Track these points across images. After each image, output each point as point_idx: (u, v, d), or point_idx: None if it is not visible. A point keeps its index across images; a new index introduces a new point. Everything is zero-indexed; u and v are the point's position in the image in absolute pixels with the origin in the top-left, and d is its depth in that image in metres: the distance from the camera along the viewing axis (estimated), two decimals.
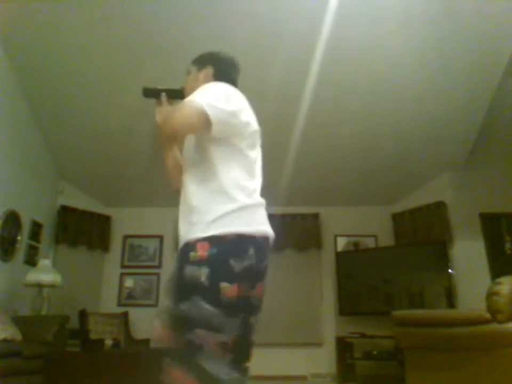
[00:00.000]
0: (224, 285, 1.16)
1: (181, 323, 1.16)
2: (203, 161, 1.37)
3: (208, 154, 1.36)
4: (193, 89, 1.46)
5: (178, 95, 1.56)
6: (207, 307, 1.14)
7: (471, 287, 4.46)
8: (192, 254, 1.20)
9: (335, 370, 5.00)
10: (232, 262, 1.18)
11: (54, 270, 4.40)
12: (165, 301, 1.18)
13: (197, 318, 1.14)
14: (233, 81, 1.54)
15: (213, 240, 1.20)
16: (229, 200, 1.27)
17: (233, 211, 1.26)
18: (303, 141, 4.64)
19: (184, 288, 1.18)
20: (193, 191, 1.35)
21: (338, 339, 5.03)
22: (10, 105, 4.14)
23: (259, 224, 1.32)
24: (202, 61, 1.60)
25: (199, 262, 1.18)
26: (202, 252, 1.19)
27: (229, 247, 1.20)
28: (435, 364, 2.73)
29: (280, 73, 3.88)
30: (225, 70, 1.57)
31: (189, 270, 1.18)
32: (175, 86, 1.60)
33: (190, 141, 1.47)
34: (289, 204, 5.52)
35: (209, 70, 1.57)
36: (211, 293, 1.15)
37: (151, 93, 1.56)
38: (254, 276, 1.24)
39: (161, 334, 1.15)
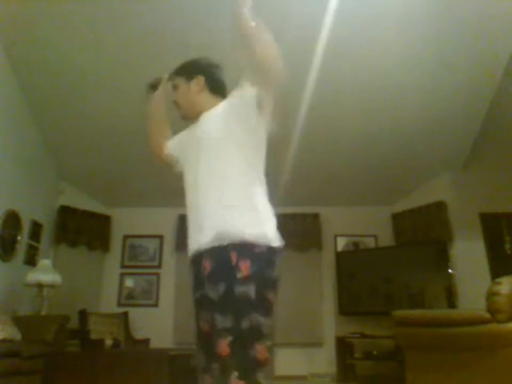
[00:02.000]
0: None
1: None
2: (253, 144, 1.40)
3: (257, 138, 1.41)
4: (187, 101, 1.55)
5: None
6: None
7: (471, 287, 4.46)
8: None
9: (335, 370, 5.00)
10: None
11: (54, 270, 4.40)
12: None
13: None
14: (223, 83, 1.59)
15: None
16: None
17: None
18: (303, 141, 4.63)
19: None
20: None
21: (338, 339, 5.03)
22: (11, 105, 4.14)
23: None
24: (189, 71, 1.59)
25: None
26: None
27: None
28: (435, 363, 2.73)
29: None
30: (215, 75, 1.59)
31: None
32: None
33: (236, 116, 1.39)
34: (289, 204, 5.52)
35: (200, 79, 1.56)
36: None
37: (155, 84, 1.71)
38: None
39: (227, 351, 1.17)
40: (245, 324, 1.17)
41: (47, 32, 3.73)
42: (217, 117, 1.45)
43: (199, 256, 1.32)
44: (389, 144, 4.80)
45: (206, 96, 1.55)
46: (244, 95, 1.38)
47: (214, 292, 1.22)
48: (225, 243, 1.25)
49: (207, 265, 1.27)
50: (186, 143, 1.54)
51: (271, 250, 1.29)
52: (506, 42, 3.74)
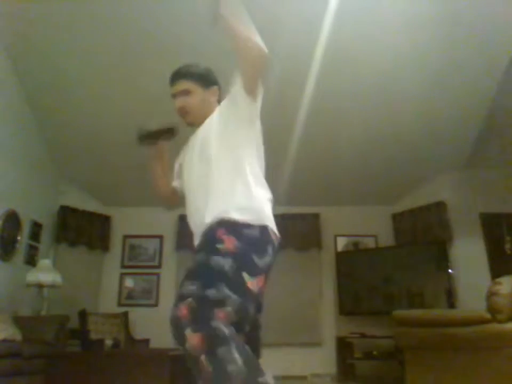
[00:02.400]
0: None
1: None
2: (242, 144, 1.43)
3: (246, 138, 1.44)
4: (201, 108, 1.52)
5: (171, 134, 1.57)
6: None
7: (471, 287, 4.46)
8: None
9: (335, 370, 5.00)
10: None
11: (54, 270, 4.40)
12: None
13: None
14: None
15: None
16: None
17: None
18: (303, 141, 4.64)
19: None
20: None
21: (338, 339, 5.03)
22: (11, 106, 4.14)
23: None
24: (207, 79, 1.57)
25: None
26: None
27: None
28: (435, 364, 2.73)
29: (280, 73, 3.88)
30: (221, 86, 1.62)
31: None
32: (166, 125, 1.57)
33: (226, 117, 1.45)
34: (289, 204, 5.52)
35: (216, 90, 1.58)
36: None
37: (149, 137, 1.57)
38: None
39: (184, 313, 1.13)
40: (210, 292, 1.14)
41: (48, 33, 3.73)
42: (213, 119, 1.48)
43: None
44: (389, 144, 4.80)
45: (215, 106, 1.55)
46: (231, 92, 1.44)
47: (193, 261, 1.23)
48: (215, 220, 1.28)
49: (200, 243, 1.32)
50: (187, 151, 1.57)
51: (263, 237, 1.28)
52: (506, 42, 3.74)
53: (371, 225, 5.71)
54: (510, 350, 2.42)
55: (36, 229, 4.71)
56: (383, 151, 4.90)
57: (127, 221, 5.73)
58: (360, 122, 4.56)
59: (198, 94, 1.53)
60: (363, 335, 4.90)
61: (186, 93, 1.52)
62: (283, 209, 5.55)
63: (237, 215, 1.27)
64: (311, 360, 5.14)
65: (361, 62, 3.94)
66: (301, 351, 5.19)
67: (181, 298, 1.15)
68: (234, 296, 1.15)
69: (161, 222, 5.62)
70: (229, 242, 1.21)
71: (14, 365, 3.00)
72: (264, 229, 1.29)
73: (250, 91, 1.38)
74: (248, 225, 1.26)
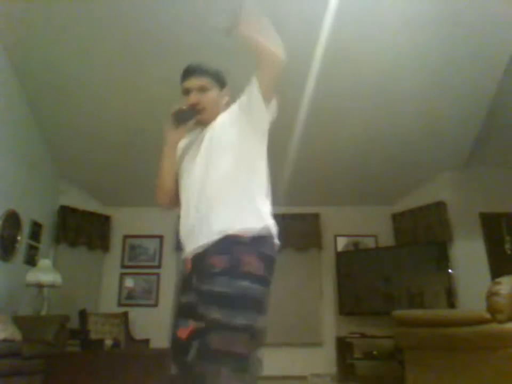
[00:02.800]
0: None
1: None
2: (251, 150, 1.42)
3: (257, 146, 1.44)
4: (214, 107, 1.49)
5: (197, 114, 1.49)
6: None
7: (471, 287, 4.46)
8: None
9: (335, 370, 5.00)
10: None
11: (54, 270, 4.40)
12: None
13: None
14: None
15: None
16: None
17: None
18: (303, 141, 4.64)
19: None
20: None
21: (338, 339, 5.03)
22: (11, 105, 4.14)
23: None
24: (222, 79, 1.55)
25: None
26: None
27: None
28: (435, 364, 2.73)
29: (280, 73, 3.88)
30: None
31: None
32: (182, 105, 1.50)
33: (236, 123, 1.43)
34: (289, 204, 5.52)
35: (227, 91, 1.57)
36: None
37: (184, 117, 1.47)
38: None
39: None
40: (240, 322, 1.15)
41: (48, 33, 3.73)
42: (226, 124, 1.46)
43: (201, 255, 1.28)
44: (389, 144, 4.80)
45: (224, 108, 1.54)
46: (247, 99, 1.42)
47: (209, 284, 1.20)
48: (229, 233, 1.25)
49: (215, 261, 1.22)
50: (188, 148, 1.52)
51: (274, 253, 1.30)
52: (506, 42, 3.74)
53: (371, 225, 5.71)
54: (510, 350, 2.41)
55: (36, 229, 4.71)
56: (383, 151, 4.90)
57: (127, 221, 5.73)
58: (360, 122, 4.56)
59: (213, 92, 1.50)
60: (363, 335, 4.90)
61: (203, 89, 1.48)
62: (283, 209, 5.55)
63: (252, 231, 1.25)
64: (311, 360, 5.14)
65: (361, 62, 3.94)
66: (301, 351, 5.19)
67: (210, 327, 1.14)
68: (260, 320, 1.18)
69: (161, 222, 5.62)
70: (252, 264, 1.20)
71: (14, 364, 2.99)
72: (275, 245, 1.31)
73: (267, 98, 1.38)
74: (264, 242, 1.26)
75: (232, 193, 1.33)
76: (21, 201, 4.33)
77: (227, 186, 1.34)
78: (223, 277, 1.18)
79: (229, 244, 1.23)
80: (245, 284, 1.17)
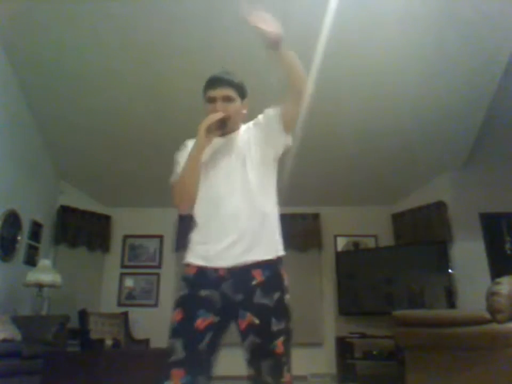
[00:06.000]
0: None
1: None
2: (271, 184, 1.56)
3: (274, 172, 1.58)
4: (236, 118, 1.56)
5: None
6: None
7: (471, 287, 4.45)
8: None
9: (335, 370, 4.99)
10: None
11: (54, 270, 4.40)
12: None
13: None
14: None
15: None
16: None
17: None
18: (303, 142, 4.63)
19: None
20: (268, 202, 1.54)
21: (338, 339, 5.03)
22: (10, 105, 4.14)
23: None
24: (243, 91, 1.60)
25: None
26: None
27: None
28: (435, 364, 2.73)
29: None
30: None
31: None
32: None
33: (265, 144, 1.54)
34: (289, 204, 5.51)
35: (247, 104, 1.63)
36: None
37: (220, 127, 1.51)
38: None
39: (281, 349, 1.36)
40: (291, 326, 1.40)
41: (47, 32, 3.73)
42: (250, 140, 1.56)
43: (244, 267, 1.41)
44: (389, 144, 4.79)
45: (243, 120, 1.63)
46: (269, 118, 1.54)
47: (268, 299, 1.37)
48: (274, 257, 1.45)
49: (257, 275, 1.40)
50: (214, 155, 1.56)
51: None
52: (506, 42, 3.74)
53: (371, 225, 5.71)
54: (510, 350, 2.42)
55: (36, 229, 4.71)
56: (383, 151, 4.90)
57: (127, 221, 5.73)
58: (360, 122, 4.56)
59: (237, 104, 1.56)
60: (363, 335, 4.90)
61: (229, 99, 1.54)
62: (283, 209, 5.53)
63: (282, 252, 1.50)
64: (311, 360, 5.14)
65: (361, 63, 3.94)
66: (301, 351, 5.15)
67: (277, 335, 1.35)
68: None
69: (161, 222, 5.62)
70: (287, 280, 1.45)
71: (14, 365, 3.00)
72: None
73: (290, 128, 1.55)
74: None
75: (274, 217, 1.53)
76: (21, 201, 4.33)
77: (273, 210, 1.53)
78: (278, 292, 1.40)
79: (276, 263, 1.45)
80: (288, 296, 1.43)
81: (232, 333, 1.43)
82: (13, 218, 4.20)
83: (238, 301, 1.39)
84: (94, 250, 5.48)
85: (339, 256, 5.54)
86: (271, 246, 1.47)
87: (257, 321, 1.35)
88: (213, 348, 1.38)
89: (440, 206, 5.13)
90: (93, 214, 5.50)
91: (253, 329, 1.35)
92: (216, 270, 1.42)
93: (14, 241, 4.25)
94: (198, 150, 1.50)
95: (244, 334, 1.37)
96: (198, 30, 3.59)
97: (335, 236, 5.72)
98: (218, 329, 1.39)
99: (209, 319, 1.37)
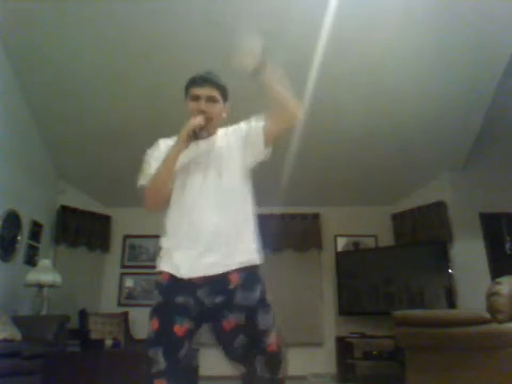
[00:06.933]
0: None
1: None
2: (247, 192, 1.56)
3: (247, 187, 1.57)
4: (217, 119, 1.56)
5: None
6: None
7: (471, 287, 4.46)
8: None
9: (335, 370, 5.00)
10: None
11: (54, 270, 4.40)
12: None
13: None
14: None
15: None
16: None
17: None
18: (303, 142, 4.63)
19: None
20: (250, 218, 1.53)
21: (338, 339, 5.03)
22: (10, 105, 4.14)
23: None
24: (227, 94, 1.60)
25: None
26: None
27: None
28: (435, 364, 2.73)
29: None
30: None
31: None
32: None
33: (239, 164, 1.54)
34: (289, 204, 5.52)
35: (229, 108, 1.63)
36: None
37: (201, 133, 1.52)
38: None
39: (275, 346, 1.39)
40: (276, 321, 1.41)
41: (47, 32, 3.73)
42: (230, 143, 1.56)
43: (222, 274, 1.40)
44: (389, 144, 4.79)
45: (222, 121, 1.63)
46: (253, 128, 1.54)
47: (250, 299, 1.38)
48: (256, 262, 1.46)
49: (234, 278, 1.39)
50: (190, 155, 1.55)
51: None
52: (506, 41, 3.74)
53: (371, 225, 5.71)
54: (510, 350, 2.41)
55: (36, 229, 4.71)
56: (383, 151, 4.90)
57: (127, 221, 5.73)
58: (360, 122, 4.56)
59: (220, 105, 1.57)
60: (363, 335, 4.90)
61: (214, 100, 1.54)
62: (283, 209, 5.56)
63: (259, 260, 1.48)
64: (311, 360, 5.14)
65: (362, 63, 3.94)
66: (301, 351, 5.18)
67: (265, 332, 1.38)
68: None
69: (161, 222, 5.60)
70: (265, 284, 1.45)
71: (14, 364, 2.99)
72: None
73: (271, 145, 1.53)
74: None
75: (250, 225, 1.51)
76: (21, 201, 4.33)
77: (249, 218, 1.51)
78: (257, 292, 1.40)
79: (255, 270, 1.45)
80: (269, 297, 1.43)
81: None
82: (13, 218, 4.20)
83: (218, 303, 1.37)
84: (94, 250, 5.48)
85: (339, 256, 5.54)
86: (245, 255, 1.44)
87: (242, 322, 1.36)
88: (190, 353, 1.39)
89: (440, 206, 5.13)
90: (93, 214, 5.50)
91: (240, 329, 1.36)
92: (189, 279, 1.40)
93: (14, 241, 4.25)
94: (176, 153, 1.48)
95: (231, 334, 1.36)
96: (201, 27, 3.59)
97: (335, 236, 5.72)
98: (193, 335, 1.39)
99: (185, 325, 1.36)
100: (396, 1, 3.46)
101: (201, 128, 1.49)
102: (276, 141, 1.54)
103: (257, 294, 1.39)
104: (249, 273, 1.42)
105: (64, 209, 5.24)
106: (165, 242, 1.55)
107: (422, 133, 4.65)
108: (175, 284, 1.41)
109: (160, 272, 1.48)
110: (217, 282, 1.38)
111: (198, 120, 1.47)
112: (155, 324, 1.37)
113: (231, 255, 1.40)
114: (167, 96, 4.21)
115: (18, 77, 4.10)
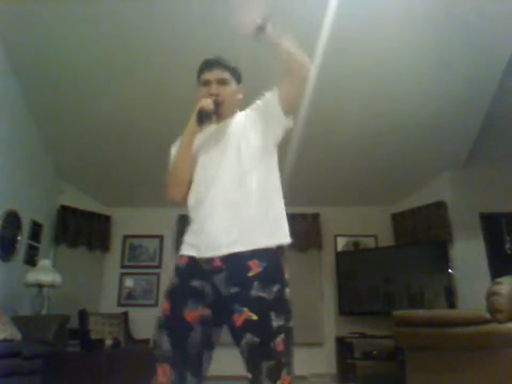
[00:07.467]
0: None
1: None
2: (269, 170, 1.48)
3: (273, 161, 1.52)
4: (231, 102, 1.52)
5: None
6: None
7: (471, 287, 4.45)
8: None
9: (335, 370, 5.00)
10: None
11: (54, 270, 4.40)
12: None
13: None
14: None
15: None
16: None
17: None
18: (303, 141, 4.63)
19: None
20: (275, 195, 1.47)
21: (338, 339, 5.03)
22: (10, 105, 4.14)
23: None
24: (239, 75, 1.58)
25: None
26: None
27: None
28: (435, 364, 2.73)
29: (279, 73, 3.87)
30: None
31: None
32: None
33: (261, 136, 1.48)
34: (289, 204, 5.45)
35: (242, 89, 1.59)
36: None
37: (209, 115, 1.46)
38: None
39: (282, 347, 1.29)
40: (291, 323, 1.34)
41: (47, 32, 3.73)
42: (247, 126, 1.50)
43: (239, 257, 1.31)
44: (389, 144, 4.79)
45: (238, 105, 1.58)
46: (268, 101, 1.48)
47: (267, 292, 1.28)
48: (273, 246, 1.34)
49: (254, 265, 1.29)
50: (206, 141, 1.51)
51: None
52: (506, 41, 3.74)
53: (371, 225, 5.71)
54: (510, 350, 2.41)
55: (36, 229, 4.71)
56: (383, 151, 4.90)
57: (127, 221, 5.73)
58: (360, 122, 4.56)
59: (232, 87, 1.53)
60: (363, 335, 4.90)
61: (224, 82, 1.51)
62: None
63: (286, 241, 1.38)
64: (311, 360, 5.14)
65: (361, 63, 3.94)
66: (301, 351, 5.13)
67: (277, 332, 1.27)
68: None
69: (161, 222, 5.62)
70: (288, 272, 1.35)
71: (14, 364, 2.99)
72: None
73: (290, 111, 1.46)
74: (285, 252, 1.39)
75: (276, 203, 1.44)
76: (21, 201, 4.33)
77: (272, 198, 1.44)
78: (277, 285, 1.30)
79: (275, 253, 1.34)
80: (288, 290, 1.33)
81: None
82: (13, 218, 4.19)
83: (232, 294, 1.29)
84: (94, 250, 5.48)
85: (339, 256, 5.54)
86: (270, 232, 1.36)
87: (255, 317, 1.24)
88: (205, 344, 1.30)
89: (440, 206, 5.13)
90: (93, 214, 5.50)
91: (250, 326, 1.25)
92: (208, 260, 1.33)
93: (14, 241, 4.25)
94: (189, 136, 1.46)
95: (240, 332, 1.26)
96: (201, 28, 3.59)
97: (335, 236, 5.72)
98: (209, 325, 1.30)
99: (198, 311, 1.29)
100: (395, 1, 3.46)
101: (211, 109, 1.44)
102: (293, 106, 1.48)
103: (275, 288, 1.29)
104: (271, 263, 1.32)
105: (64, 209, 5.24)
106: (189, 226, 1.45)
107: (422, 133, 4.65)
108: (193, 267, 1.35)
109: (181, 257, 1.40)
110: (236, 268, 1.30)
111: (205, 102, 1.44)
112: (166, 306, 1.34)
113: (250, 235, 1.33)
114: (168, 97, 4.22)
115: (18, 77, 4.10)
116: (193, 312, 1.29)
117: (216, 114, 1.47)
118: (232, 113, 1.54)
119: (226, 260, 1.31)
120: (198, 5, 3.47)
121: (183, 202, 1.49)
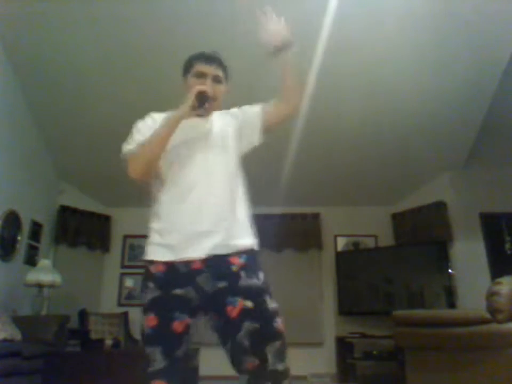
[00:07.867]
0: None
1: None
2: (240, 177, 1.53)
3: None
4: (219, 99, 1.53)
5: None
6: None
7: (471, 287, 4.46)
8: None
9: (335, 370, 5.00)
10: None
11: (54, 270, 4.40)
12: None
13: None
14: None
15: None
16: None
17: None
18: (303, 141, 4.63)
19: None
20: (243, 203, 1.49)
21: (338, 339, 5.03)
22: (10, 105, 4.14)
23: None
24: (228, 74, 1.58)
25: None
26: None
27: None
28: (435, 364, 2.73)
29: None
30: None
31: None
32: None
33: (237, 147, 1.54)
34: (289, 204, 5.52)
35: (228, 88, 1.60)
36: None
37: (204, 100, 1.42)
38: None
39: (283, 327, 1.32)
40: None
41: (47, 32, 3.73)
42: (229, 126, 1.54)
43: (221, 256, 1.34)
44: (389, 144, 4.79)
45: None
46: (251, 114, 1.56)
47: (256, 278, 1.33)
48: (255, 246, 1.42)
49: (235, 260, 1.33)
50: (189, 133, 1.47)
51: None
52: (506, 41, 3.74)
53: (371, 225, 5.71)
54: (510, 350, 2.42)
55: (36, 229, 4.71)
56: (383, 151, 4.90)
57: (127, 221, 5.73)
58: (360, 122, 4.56)
59: (223, 86, 1.55)
60: (363, 335, 4.90)
61: (219, 80, 1.52)
62: (283, 209, 5.55)
63: (256, 241, 1.44)
64: (311, 360, 5.14)
65: (361, 63, 3.94)
66: (301, 351, 5.18)
67: (276, 314, 1.31)
68: None
69: None
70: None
71: (14, 364, 2.99)
72: None
73: (269, 131, 1.55)
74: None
75: (247, 210, 1.48)
76: (21, 201, 4.33)
77: (245, 203, 1.48)
78: (261, 272, 1.36)
79: (255, 255, 1.41)
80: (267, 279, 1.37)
81: None
82: (13, 218, 4.20)
83: (221, 288, 1.28)
84: (94, 250, 5.48)
85: (339, 256, 5.54)
86: (246, 239, 1.40)
87: (250, 304, 1.25)
88: (187, 350, 1.31)
89: (440, 206, 5.13)
90: (93, 214, 5.50)
91: (247, 314, 1.25)
92: (187, 263, 1.30)
93: (14, 241, 4.25)
94: (177, 119, 1.39)
95: (237, 322, 1.24)
96: (201, 29, 3.59)
97: (335, 236, 5.72)
98: (191, 330, 1.31)
99: (185, 320, 1.28)
100: (396, 1, 3.46)
101: (211, 93, 1.42)
102: (275, 127, 1.56)
103: (261, 276, 1.34)
104: (251, 256, 1.37)
105: (64, 209, 5.24)
106: (156, 224, 1.39)
107: (422, 133, 4.65)
108: (172, 274, 1.31)
109: (151, 262, 1.34)
110: (218, 266, 1.30)
111: (203, 87, 1.41)
112: (152, 320, 1.27)
113: (232, 238, 1.35)
114: (167, 97, 4.21)
115: (18, 77, 4.10)
116: (181, 322, 1.28)
117: (208, 103, 1.43)
118: (216, 111, 1.56)
119: (207, 261, 1.31)
120: (198, 5, 3.47)
121: (145, 181, 1.51)
